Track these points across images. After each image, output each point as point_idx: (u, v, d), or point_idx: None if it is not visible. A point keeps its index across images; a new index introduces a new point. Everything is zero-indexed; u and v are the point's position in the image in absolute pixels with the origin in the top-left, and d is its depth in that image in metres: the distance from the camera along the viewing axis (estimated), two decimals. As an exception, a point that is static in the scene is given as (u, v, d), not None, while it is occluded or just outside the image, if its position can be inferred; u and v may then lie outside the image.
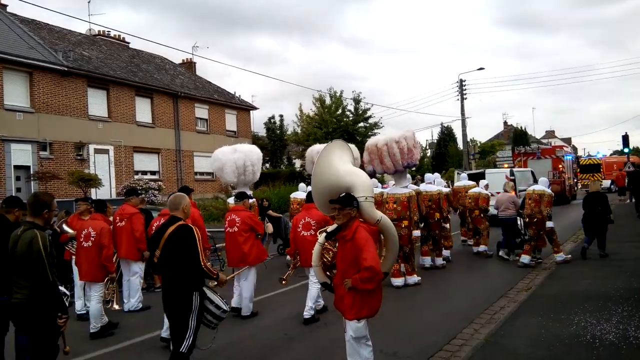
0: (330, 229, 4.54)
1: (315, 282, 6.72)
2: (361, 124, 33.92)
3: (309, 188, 7.01)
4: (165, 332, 6.08)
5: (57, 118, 20.92)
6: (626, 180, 23.99)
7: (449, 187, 15.18)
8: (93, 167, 21.90)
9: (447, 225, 11.45)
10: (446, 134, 50.26)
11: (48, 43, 22.52)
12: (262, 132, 41.33)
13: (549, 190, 10.49)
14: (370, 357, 4.33)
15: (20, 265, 4.10)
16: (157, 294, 8.83)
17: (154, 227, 6.89)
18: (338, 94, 33.64)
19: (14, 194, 17.42)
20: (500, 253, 11.33)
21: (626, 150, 28.04)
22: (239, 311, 7.45)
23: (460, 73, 43.71)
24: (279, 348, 6.06)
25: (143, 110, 25.42)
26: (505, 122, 68.51)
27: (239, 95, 33.77)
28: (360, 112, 33.97)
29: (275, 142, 39.98)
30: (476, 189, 12.28)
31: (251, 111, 34.12)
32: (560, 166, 24.99)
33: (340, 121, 33.08)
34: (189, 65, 33.41)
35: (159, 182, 23.30)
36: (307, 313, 6.98)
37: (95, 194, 20.14)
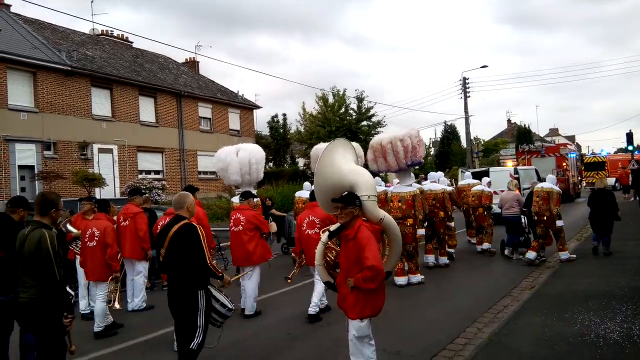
0: (333, 227, 4.54)
1: None
2: (364, 123, 33.87)
3: (313, 187, 7.02)
4: None
5: (61, 118, 20.98)
6: (630, 178, 23.91)
7: (452, 185, 15.16)
8: (97, 167, 21.96)
9: (452, 224, 11.44)
10: (449, 132, 50.12)
11: (52, 43, 22.58)
12: (266, 131, 41.45)
13: (557, 188, 10.47)
14: (373, 357, 4.32)
15: (28, 264, 4.12)
16: (160, 294, 8.87)
17: (159, 226, 6.91)
18: (341, 93, 33.62)
19: (18, 194, 17.50)
20: (506, 252, 11.30)
21: (630, 147, 27.93)
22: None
23: (464, 71, 43.74)
24: (283, 347, 6.07)
25: (146, 109, 25.47)
26: (508, 120, 68.35)
27: (242, 95, 33.81)
28: (363, 110, 33.93)
29: (278, 141, 40.02)
30: (479, 187, 12.26)
31: (254, 110, 34.15)
32: (564, 164, 24.91)
33: (343, 120, 33.04)
34: (192, 64, 33.44)
35: (163, 182, 23.32)
36: (312, 309, 6.99)
37: (100, 193, 20.20)
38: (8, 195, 17.81)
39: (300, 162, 39.69)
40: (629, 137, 27.35)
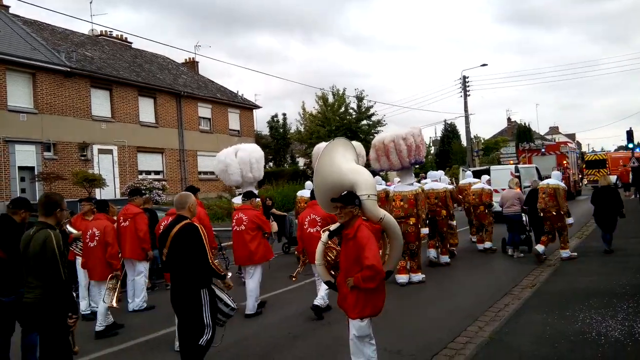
0: (333, 227, 4.54)
1: None
2: (364, 122, 33.87)
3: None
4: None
5: (61, 119, 20.98)
6: (630, 176, 23.89)
7: (453, 184, 15.15)
8: (97, 168, 21.97)
9: (454, 223, 11.45)
10: (449, 131, 50.08)
11: (51, 44, 22.58)
12: (265, 130, 41.47)
13: (562, 184, 10.48)
14: (374, 356, 4.32)
15: (33, 265, 4.12)
16: (161, 294, 8.87)
17: (162, 227, 6.92)
18: (341, 92, 33.61)
19: (19, 195, 17.51)
20: (510, 252, 11.27)
21: (630, 145, 27.93)
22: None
23: (463, 69, 43.43)
24: (283, 346, 6.06)
25: (146, 110, 25.47)
26: (508, 119, 68.33)
27: (242, 94, 33.84)
28: (363, 109, 33.92)
29: (278, 141, 40.03)
30: (479, 185, 12.26)
31: (254, 110, 34.16)
32: (564, 162, 24.90)
33: (343, 119, 33.03)
34: (192, 64, 33.45)
35: (163, 182, 23.33)
36: (318, 301, 7.02)
37: (100, 194, 20.21)
38: (8, 197, 17.82)
39: (301, 161, 39.69)
40: (629, 134, 27.37)
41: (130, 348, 6.37)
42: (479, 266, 10.62)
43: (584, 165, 31.95)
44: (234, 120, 31.42)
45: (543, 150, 25.76)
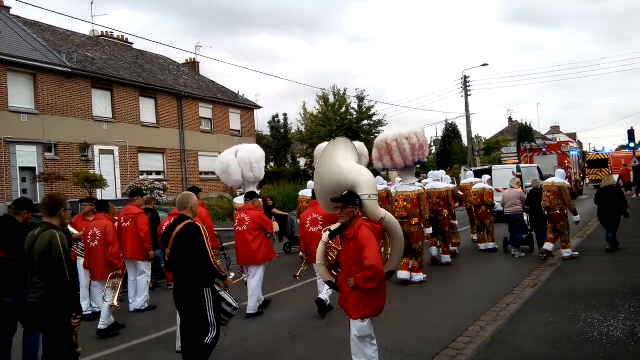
0: (333, 227, 4.53)
1: None
2: (365, 122, 33.86)
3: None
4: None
5: (62, 119, 20.99)
6: (631, 175, 23.86)
7: (454, 183, 15.14)
8: (98, 168, 21.98)
9: (455, 222, 11.44)
10: (450, 131, 50.05)
11: (51, 44, 22.60)
12: (266, 130, 41.41)
13: (567, 182, 10.51)
14: (375, 356, 4.31)
15: (38, 264, 4.13)
16: (162, 294, 8.88)
17: (164, 227, 6.92)
18: (341, 92, 33.61)
19: (19, 196, 17.52)
20: (512, 252, 11.25)
21: (631, 144, 27.90)
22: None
23: (464, 69, 43.51)
24: (284, 346, 6.05)
25: (147, 110, 25.48)
26: (509, 118, 68.26)
27: (243, 95, 33.81)
28: (364, 109, 33.91)
29: (279, 141, 40.00)
30: (480, 185, 12.25)
31: (255, 110, 34.15)
32: (566, 161, 24.87)
33: (344, 119, 33.03)
34: (192, 64, 33.44)
35: (164, 182, 23.33)
36: (323, 296, 7.04)
37: (101, 194, 20.20)
38: (9, 197, 17.85)
39: (301, 161, 39.68)
40: (631, 134, 27.32)
41: (131, 348, 6.36)
42: (480, 266, 10.61)
43: (586, 165, 31.93)
44: (234, 120, 31.42)
45: (544, 149, 25.74)
